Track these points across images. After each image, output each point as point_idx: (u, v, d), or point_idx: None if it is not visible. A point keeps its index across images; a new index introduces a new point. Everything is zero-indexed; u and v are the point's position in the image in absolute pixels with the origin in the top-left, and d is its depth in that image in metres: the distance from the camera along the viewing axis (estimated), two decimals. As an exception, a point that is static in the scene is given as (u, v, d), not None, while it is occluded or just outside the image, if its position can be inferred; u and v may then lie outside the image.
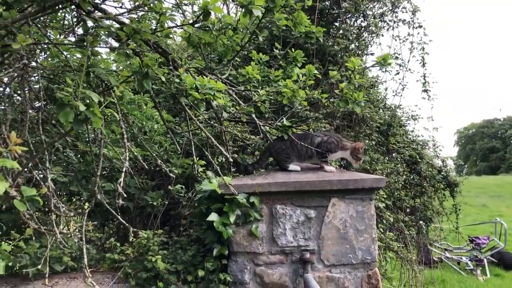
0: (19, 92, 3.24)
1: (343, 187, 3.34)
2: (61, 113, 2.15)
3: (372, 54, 6.88)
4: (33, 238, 3.31)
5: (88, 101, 2.23)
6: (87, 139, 4.41)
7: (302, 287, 3.31)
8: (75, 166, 4.12)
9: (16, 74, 2.51)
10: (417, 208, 6.86)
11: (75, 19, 3.35)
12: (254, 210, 3.39)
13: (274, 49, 4.30)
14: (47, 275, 2.52)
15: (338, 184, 3.33)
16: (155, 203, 4.32)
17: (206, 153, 3.56)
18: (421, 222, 6.95)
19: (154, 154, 3.83)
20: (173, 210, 4.70)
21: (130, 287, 3.44)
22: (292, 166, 3.65)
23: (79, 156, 4.24)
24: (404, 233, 6.07)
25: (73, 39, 3.92)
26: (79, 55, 3.90)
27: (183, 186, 4.37)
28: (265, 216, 3.43)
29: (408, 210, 6.64)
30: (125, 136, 2.70)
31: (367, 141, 5.99)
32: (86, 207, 3.57)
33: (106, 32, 2.81)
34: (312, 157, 3.66)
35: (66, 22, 3.89)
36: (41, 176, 2.88)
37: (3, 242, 2.52)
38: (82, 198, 4.57)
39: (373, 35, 6.67)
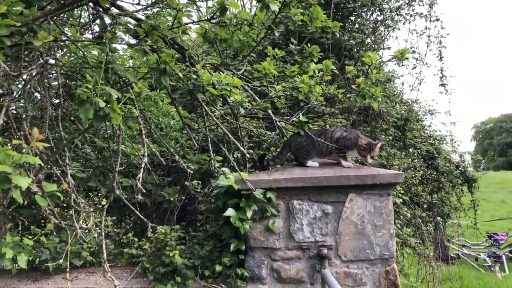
0: (38, 89, 3.29)
1: (361, 183, 3.32)
2: (81, 110, 2.17)
3: (388, 48, 6.82)
4: (54, 233, 3.36)
5: (107, 98, 2.25)
6: (105, 136, 4.46)
7: (319, 282, 3.30)
8: (93, 162, 4.17)
9: (35, 72, 2.54)
10: (434, 203, 6.80)
11: (91, 17, 3.38)
12: (271, 205, 3.39)
13: (289, 44, 4.28)
14: (68, 270, 2.55)
15: (355, 180, 3.31)
16: (172, 199, 4.34)
17: (223, 148, 3.56)
18: (438, 218, 6.88)
19: (171, 150, 3.85)
20: (190, 205, 4.73)
21: (148, 282, 3.47)
22: (310, 163, 3.64)
23: (97, 152, 4.29)
24: (421, 228, 6.02)
25: (89, 36, 3.96)
26: (95, 52, 3.95)
27: (200, 182, 4.39)
28: (282, 211, 3.42)
29: (425, 205, 6.58)
30: (143, 132, 2.72)
31: (383, 136, 5.94)
32: (104, 202, 3.61)
33: (124, 29, 2.84)
34: (331, 153, 3.64)
35: (82, 20, 3.93)
36: (60, 172, 2.91)
37: (24, 237, 2.56)
38: (99, 194, 4.63)
39: (389, 29, 6.60)
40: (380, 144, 3.65)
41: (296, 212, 3.38)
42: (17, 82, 3.06)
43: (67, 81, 3.37)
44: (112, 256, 4.02)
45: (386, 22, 6.52)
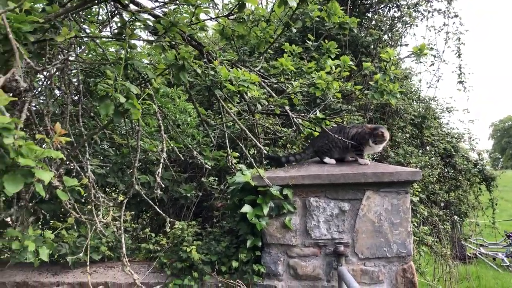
0: (57, 85, 3.33)
1: (378, 180, 3.29)
2: (102, 105, 2.20)
3: (406, 45, 6.73)
4: (75, 227, 3.41)
5: (127, 93, 2.27)
6: (123, 132, 4.51)
7: (335, 279, 3.29)
8: (111, 158, 4.22)
9: (56, 68, 2.58)
10: (451, 202, 6.71)
11: (110, 13, 3.41)
12: (287, 202, 3.38)
13: (307, 40, 4.26)
14: (88, 263, 2.59)
15: (373, 177, 3.29)
16: (188, 195, 4.37)
17: (240, 145, 3.57)
18: (455, 216, 6.79)
19: (189, 147, 3.88)
20: (206, 202, 4.75)
21: (166, 277, 3.50)
22: (327, 159, 3.62)
23: (115, 148, 4.34)
24: (438, 227, 5.95)
25: (106, 33, 3.99)
26: (112, 49, 3.99)
27: (216, 178, 4.40)
28: (299, 208, 3.42)
29: (442, 204, 6.50)
30: (162, 128, 2.74)
31: (400, 134, 5.88)
32: (121, 198, 3.65)
33: (143, 26, 2.86)
34: (350, 150, 3.62)
35: (99, 18, 3.97)
36: (79, 167, 2.95)
37: (45, 231, 2.61)
38: (117, 190, 4.68)
39: (406, 25, 6.52)
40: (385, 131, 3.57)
41: (312, 209, 3.37)
42: (37, 79, 3.10)
43: (85, 78, 3.41)
44: (129, 251, 4.07)
45: (404, 18, 6.44)
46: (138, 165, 4.67)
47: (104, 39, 3.00)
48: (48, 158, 2.42)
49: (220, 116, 4.44)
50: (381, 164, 3.70)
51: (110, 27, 3.39)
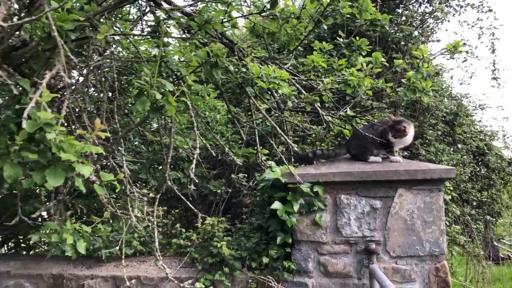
0: (92, 82, 3.41)
1: (411, 178, 3.25)
2: (139, 102, 2.25)
3: (438, 40, 6.60)
4: (110, 221, 3.50)
5: (162, 90, 2.32)
6: (154, 130, 4.59)
7: (366, 277, 3.27)
8: (143, 155, 4.29)
9: (92, 66, 2.64)
10: (484, 201, 6.55)
11: (141, 11, 3.46)
12: (318, 199, 3.38)
13: (337, 37, 4.23)
14: (123, 257, 2.65)
15: (405, 175, 3.25)
16: (218, 191, 4.41)
17: (271, 142, 3.58)
18: (488, 216, 6.63)
19: (219, 144, 3.92)
20: (234, 198, 4.79)
21: (197, 272, 3.54)
22: (372, 158, 3.55)
23: (147, 145, 4.42)
24: (470, 227, 5.83)
25: (136, 32, 4.06)
26: (142, 48, 4.06)
27: (246, 175, 4.43)
28: (329, 205, 3.41)
29: (474, 203, 6.36)
30: (195, 124, 2.78)
31: (431, 131, 5.78)
32: (152, 193, 3.71)
33: (176, 23, 2.90)
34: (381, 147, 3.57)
35: (130, 17, 4.05)
36: (114, 163, 3.02)
37: (80, 225, 2.69)
38: (147, 186, 4.77)
39: (438, 21, 6.39)
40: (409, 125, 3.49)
41: (343, 206, 3.35)
42: (71, 77, 3.19)
43: (118, 75, 3.48)
44: (160, 246, 4.11)
45: (435, 14, 6.32)
46: (169, 161, 4.75)
47: (136, 37, 3.06)
48: (85, 154, 2.48)
49: (249, 113, 4.47)
50: (413, 162, 3.65)
51: (142, 26, 3.45)
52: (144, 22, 3.40)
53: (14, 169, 1.95)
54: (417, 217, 3.28)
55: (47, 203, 2.58)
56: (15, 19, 2.30)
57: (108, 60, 3.05)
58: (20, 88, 2.23)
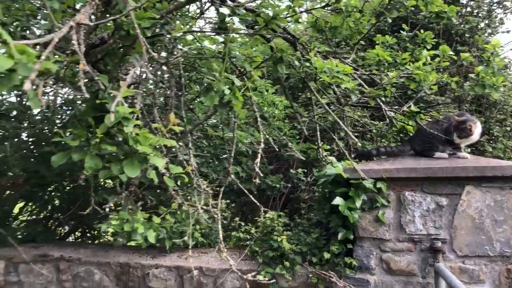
0: (159, 78, 3.53)
1: (479, 174, 3.12)
2: (208, 97, 2.31)
3: (508, 31, 6.23)
4: (178, 212, 3.61)
5: (230, 86, 2.36)
6: (214, 124, 4.69)
7: (431, 276, 3.18)
8: (204, 149, 4.40)
9: (161, 62, 2.74)
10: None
11: (202, 8, 3.53)
12: (381, 196, 3.32)
13: (399, 31, 4.12)
14: (190, 247, 2.74)
15: (473, 171, 3.12)
16: (277, 185, 4.44)
17: (334, 137, 3.56)
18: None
19: (277, 139, 3.94)
20: (292, 193, 4.80)
21: (257, 264, 3.59)
22: (438, 154, 3.46)
23: (208, 139, 4.52)
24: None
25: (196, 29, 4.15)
26: (205, 43, 4.14)
27: (305, 170, 4.43)
28: (392, 202, 3.34)
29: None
30: (259, 120, 2.81)
31: (498, 127, 5.50)
32: (214, 186, 3.79)
33: (240, 19, 2.94)
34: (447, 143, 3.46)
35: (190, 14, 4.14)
36: (178, 156, 3.11)
37: (152, 215, 2.80)
38: (207, 179, 4.88)
39: (507, 11, 6.06)
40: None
41: (407, 203, 3.28)
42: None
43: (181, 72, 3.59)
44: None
45: (504, 3, 5.99)
46: (226, 156, 4.84)
47: (200, 34, 3.13)
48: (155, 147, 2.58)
49: (308, 108, 4.46)
50: (482, 158, 3.51)
51: (205, 22, 3.52)
52: (204, 19, 3.48)
53: (94, 161, 2.06)
54: (486, 216, 3.15)
55: (121, 194, 2.70)
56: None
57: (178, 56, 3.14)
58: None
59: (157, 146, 2.41)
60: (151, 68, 2.48)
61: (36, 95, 1.56)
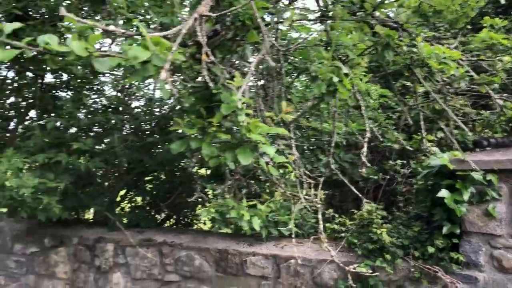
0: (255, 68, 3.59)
1: None
2: (315, 85, 2.30)
3: None
4: (281, 200, 3.68)
5: (337, 74, 2.34)
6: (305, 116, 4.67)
7: (551, 277, 2.94)
8: (297, 140, 4.41)
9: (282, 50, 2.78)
10: None
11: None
12: (491, 188, 3.11)
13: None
14: (293, 236, 2.78)
15: None
16: (373, 177, 4.34)
17: (442, 126, 3.39)
18: None
19: (374, 128, 3.84)
20: (387, 186, 4.66)
21: (355, 256, 3.54)
22: None
23: (301, 130, 4.53)
24: None
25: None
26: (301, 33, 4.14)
27: (404, 162, 4.27)
28: (504, 195, 3.12)
29: None
30: (363, 109, 2.76)
31: None
32: (310, 177, 3.79)
33: (342, 6, 2.89)
34: None
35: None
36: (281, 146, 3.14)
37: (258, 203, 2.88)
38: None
39: None
40: None
41: (522, 197, 3.05)
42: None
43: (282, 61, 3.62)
44: (313, 229, 4.21)
45: None
46: (315, 147, 4.82)
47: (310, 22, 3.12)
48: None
49: (405, 97, 4.30)
50: None
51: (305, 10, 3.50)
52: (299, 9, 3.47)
53: (211, 149, 2.15)
54: None
55: (229, 181, 2.79)
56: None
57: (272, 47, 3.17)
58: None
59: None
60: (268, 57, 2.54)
61: (165, 84, 1.65)
